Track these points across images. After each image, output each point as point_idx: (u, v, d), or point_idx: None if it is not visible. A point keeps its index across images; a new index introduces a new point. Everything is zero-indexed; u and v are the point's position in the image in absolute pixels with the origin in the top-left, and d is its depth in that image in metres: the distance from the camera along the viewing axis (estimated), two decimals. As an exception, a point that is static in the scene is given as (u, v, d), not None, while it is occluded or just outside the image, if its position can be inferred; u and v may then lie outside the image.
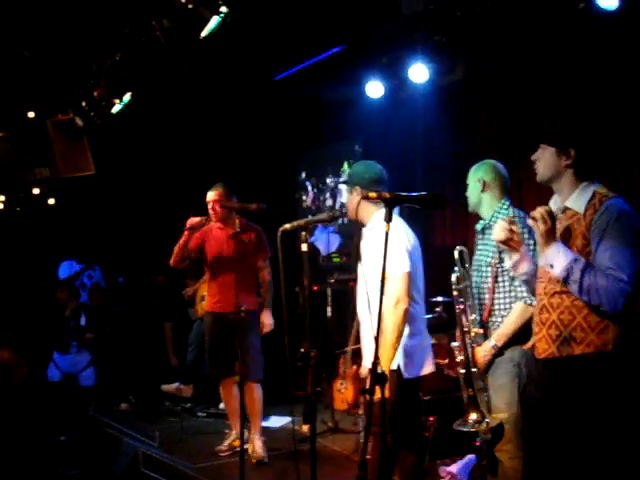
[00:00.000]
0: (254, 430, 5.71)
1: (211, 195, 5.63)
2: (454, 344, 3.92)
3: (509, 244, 3.26)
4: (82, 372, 7.97)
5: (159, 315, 8.55)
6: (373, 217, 4.02)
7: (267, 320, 5.78)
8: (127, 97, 6.54)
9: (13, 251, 11.26)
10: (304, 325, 3.65)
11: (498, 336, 3.73)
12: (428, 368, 4.04)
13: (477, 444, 3.90)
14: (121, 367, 8.09)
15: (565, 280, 2.91)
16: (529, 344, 3.36)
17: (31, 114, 8.42)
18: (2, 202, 11.47)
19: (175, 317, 8.33)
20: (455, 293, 3.80)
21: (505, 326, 3.73)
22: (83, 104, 7.06)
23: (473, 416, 3.65)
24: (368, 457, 2.99)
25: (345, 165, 8.76)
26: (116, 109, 6.81)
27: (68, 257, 10.74)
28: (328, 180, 9.10)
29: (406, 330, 3.83)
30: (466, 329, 3.77)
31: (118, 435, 4.36)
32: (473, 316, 3.78)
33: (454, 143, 7.10)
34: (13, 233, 11.48)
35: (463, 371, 3.78)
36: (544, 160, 3.13)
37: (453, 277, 3.82)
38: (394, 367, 3.78)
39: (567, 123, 3.17)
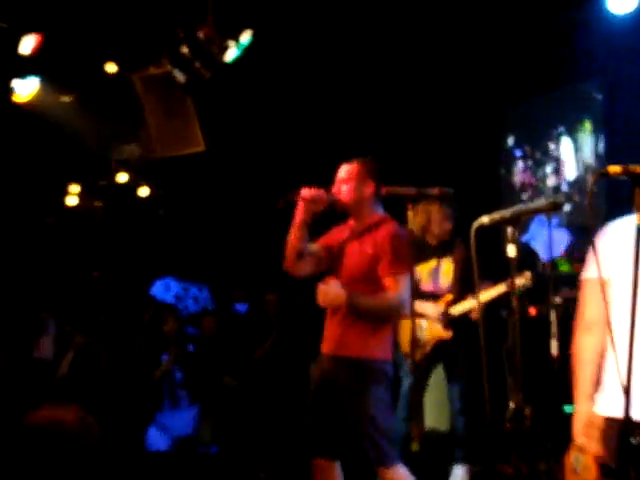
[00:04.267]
0: None
1: (354, 164, 5.65)
2: None
3: None
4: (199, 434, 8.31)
5: (297, 349, 8.76)
6: None
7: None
8: (246, 38, 6.73)
9: (93, 263, 11.85)
10: (514, 367, 3.66)
11: None
12: None
13: None
14: (250, 429, 8.36)
15: None
16: None
17: (111, 68, 8.76)
18: (77, 195, 11.97)
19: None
20: None
21: None
22: (184, 50, 7.33)
23: None
24: None
25: (586, 124, 8.59)
26: (231, 56, 7.04)
27: (165, 273, 11.21)
28: (551, 146, 9.01)
29: None
30: None
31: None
32: None
33: None
34: (92, 237, 12.06)
35: None
36: None
37: None
38: None
39: None
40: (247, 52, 7.09)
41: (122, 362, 8.59)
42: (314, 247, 5.66)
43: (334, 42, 8.39)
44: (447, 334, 6.19)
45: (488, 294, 7.02)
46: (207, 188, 11.07)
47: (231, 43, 6.88)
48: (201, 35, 7.00)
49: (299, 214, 5.50)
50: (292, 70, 8.90)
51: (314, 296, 5.62)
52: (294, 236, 5.54)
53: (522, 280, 5.83)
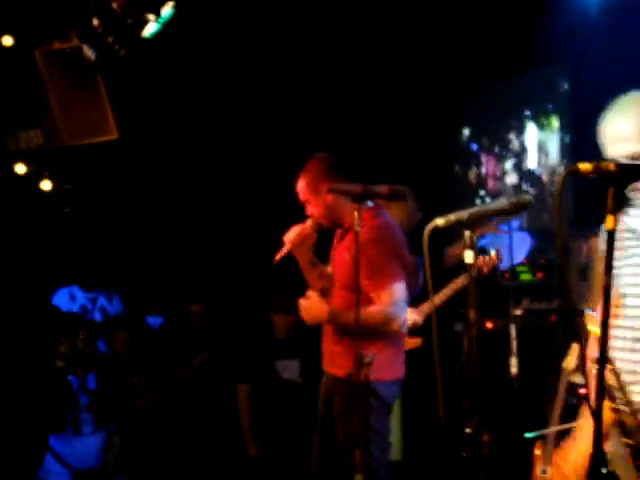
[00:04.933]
0: None
1: (300, 182, 5.73)
2: None
3: None
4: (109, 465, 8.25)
5: (223, 372, 8.73)
6: None
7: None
8: (167, 10, 6.72)
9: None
10: (470, 389, 3.71)
11: None
12: None
13: None
14: (165, 459, 8.32)
15: None
16: None
17: (8, 40, 8.67)
18: (-37, 189, 11.82)
19: (253, 374, 8.44)
20: None
21: None
22: (95, 23, 7.30)
23: None
24: None
25: (553, 120, 8.69)
26: (150, 31, 7.03)
27: (69, 282, 11.08)
28: (512, 138, 9.11)
29: None
30: None
31: None
32: None
33: None
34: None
35: None
36: None
37: None
38: None
39: None
40: (168, 26, 7.09)
41: (16, 382, 8.51)
42: (330, 270, 5.82)
43: (272, 14, 8.40)
44: (415, 342, 6.27)
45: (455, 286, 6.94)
46: (120, 182, 10.97)
47: (150, 16, 6.87)
48: (115, 6, 6.98)
49: (299, 260, 5.73)
50: (220, 47, 8.89)
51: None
52: (308, 280, 5.78)
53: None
